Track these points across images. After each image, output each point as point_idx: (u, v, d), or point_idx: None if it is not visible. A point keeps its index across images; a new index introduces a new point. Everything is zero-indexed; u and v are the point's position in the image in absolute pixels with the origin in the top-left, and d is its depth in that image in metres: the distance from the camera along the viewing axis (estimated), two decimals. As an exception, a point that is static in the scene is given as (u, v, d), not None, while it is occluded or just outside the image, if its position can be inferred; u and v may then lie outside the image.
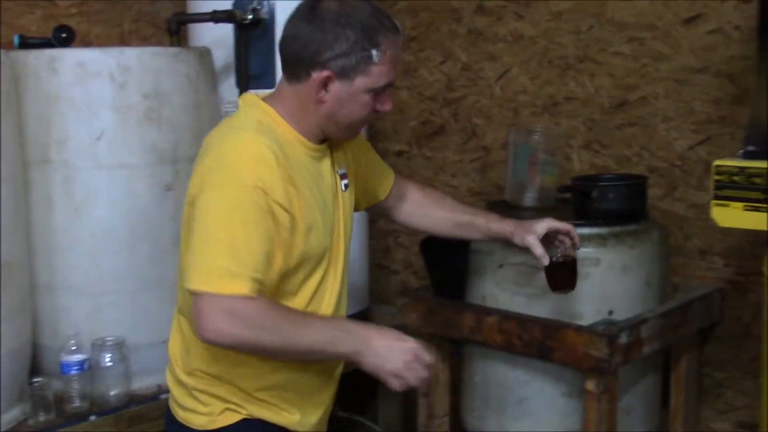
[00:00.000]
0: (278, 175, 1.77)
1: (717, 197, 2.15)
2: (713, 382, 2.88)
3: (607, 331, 2.31)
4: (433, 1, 3.38)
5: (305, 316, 1.84)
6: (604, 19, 2.95)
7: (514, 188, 2.77)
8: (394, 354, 1.82)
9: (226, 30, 2.90)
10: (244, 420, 1.91)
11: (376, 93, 1.86)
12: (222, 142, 1.83)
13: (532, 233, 2.19)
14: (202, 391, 1.92)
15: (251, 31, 2.88)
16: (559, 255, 2.24)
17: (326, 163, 1.96)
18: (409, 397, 3.34)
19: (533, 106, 3.17)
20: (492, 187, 3.29)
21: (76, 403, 2.48)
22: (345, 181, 2.03)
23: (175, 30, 2.86)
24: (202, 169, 1.81)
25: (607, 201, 2.52)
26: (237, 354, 1.84)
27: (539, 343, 2.40)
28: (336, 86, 1.83)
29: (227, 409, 1.91)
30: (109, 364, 2.51)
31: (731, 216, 2.15)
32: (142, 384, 2.60)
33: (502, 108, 3.25)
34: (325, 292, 1.95)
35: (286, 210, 1.79)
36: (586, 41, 3.00)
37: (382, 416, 3.37)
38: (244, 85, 2.88)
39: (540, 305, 2.46)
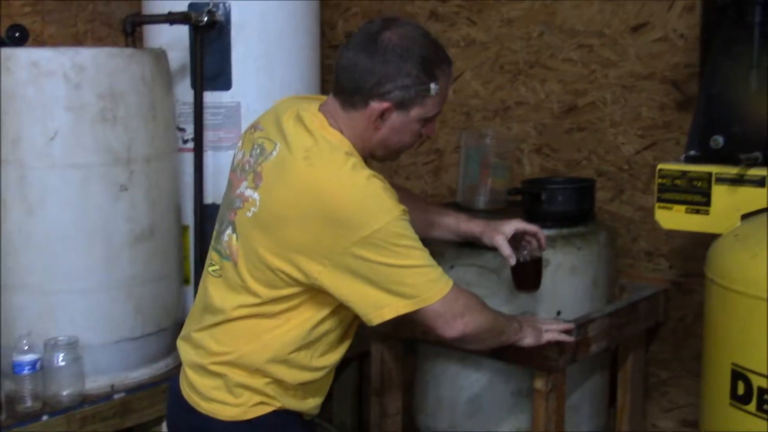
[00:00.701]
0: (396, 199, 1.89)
1: (660, 200, 2.22)
2: (658, 380, 2.96)
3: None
4: (387, 6, 3.42)
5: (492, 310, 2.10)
6: (554, 26, 3.02)
7: (465, 191, 2.81)
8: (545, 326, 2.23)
9: (182, 31, 2.91)
10: (275, 411, 1.99)
11: (426, 120, 1.95)
12: (341, 189, 1.83)
13: (501, 234, 2.28)
14: (238, 384, 1.97)
15: (207, 32, 2.89)
16: (525, 255, 2.31)
17: None
18: (362, 396, 3.38)
19: (485, 111, 3.22)
20: (445, 189, 3.34)
21: (28, 403, 2.47)
22: None
23: (130, 31, 2.86)
24: (342, 219, 1.82)
25: (555, 203, 2.58)
26: (295, 351, 1.96)
27: (489, 342, 2.44)
28: (393, 116, 1.90)
29: (261, 402, 1.98)
30: (62, 363, 2.50)
31: (674, 218, 2.22)
32: (95, 384, 2.60)
33: (455, 112, 3.30)
34: None
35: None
36: (537, 47, 3.07)
37: (337, 416, 3.40)
38: (199, 87, 2.90)
39: (491, 305, 2.50)
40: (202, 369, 2.01)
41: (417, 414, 2.82)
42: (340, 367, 3.32)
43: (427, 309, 1.90)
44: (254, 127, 2.05)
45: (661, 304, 2.84)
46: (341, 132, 1.93)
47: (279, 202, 1.87)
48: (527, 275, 2.35)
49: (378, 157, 2.01)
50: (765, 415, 1.85)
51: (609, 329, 2.55)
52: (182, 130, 2.99)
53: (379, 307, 1.89)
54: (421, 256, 1.88)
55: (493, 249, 2.30)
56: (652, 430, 2.99)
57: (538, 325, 2.23)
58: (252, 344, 1.96)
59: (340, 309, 1.96)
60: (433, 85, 1.88)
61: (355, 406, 3.40)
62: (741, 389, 1.90)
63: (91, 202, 2.57)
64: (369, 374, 2.93)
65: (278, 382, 1.98)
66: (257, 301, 1.94)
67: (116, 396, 2.58)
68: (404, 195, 2.36)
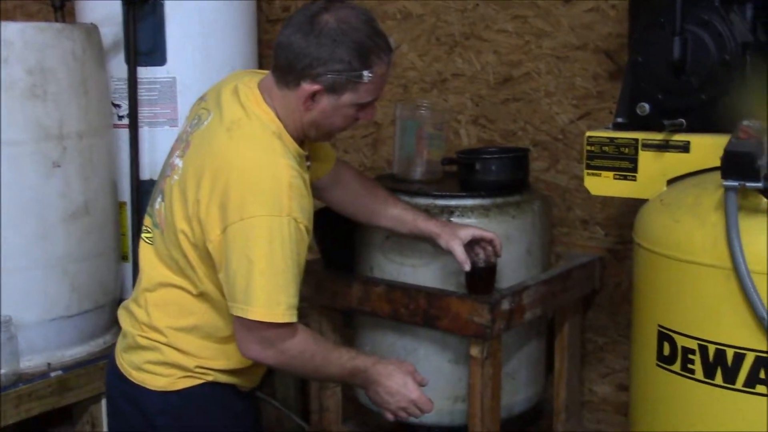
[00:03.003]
0: (306, 199, 1.87)
1: (589, 167, 2.26)
2: (595, 346, 3.01)
3: (489, 298, 2.39)
4: (323, -22, 3.40)
5: (330, 351, 2.00)
6: (489, -3, 3.03)
7: (402, 162, 2.82)
8: (396, 399, 2.04)
9: (115, 6, 2.88)
10: (204, 383, 2.00)
11: (361, 106, 1.94)
12: (251, 168, 1.84)
13: (457, 239, 2.31)
14: (167, 360, 1.99)
15: (140, 8, 2.86)
16: (481, 260, 2.36)
17: (304, 159, 2.02)
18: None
19: (422, 83, 3.23)
20: (383, 162, 3.35)
21: (-37, 383, 2.45)
22: (308, 163, 2.08)
23: (59, 5, 2.82)
24: (236, 197, 1.82)
25: (489, 173, 2.60)
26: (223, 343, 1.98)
27: (424, 311, 2.47)
28: (323, 99, 1.90)
29: (189, 376, 1.99)
30: (-4, 343, 2.48)
31: (603, 185, 2.26)
32: (30, 362, 2.58)
33: (392, 84, 3.30)
34: None
35: (309, 233, 1.90)
36: (472, 19, 3.08)
37: (279, 390, 3.41)
38: (133, 62, 2.87)
39: (426, 275, 2.53)
40: (133, 339, 2.03)
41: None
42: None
43: (243, 319, 1.85)
44: (202, 98, 2.08)
45: (596, 271, 2.89)
46: (275, 110, 1.93)
47: (193, 168, 1.90)
48: (481, 280, 2.42)
49: (311, 137, 2.00)
50: (689, 374, 1.90)
51: (544, 297, 2.58)
52: (117, 106, 2.96)
53: (232, 300, 1.86)
54: (284, 271, 1.83)
55: (448, 252, 2.33)
56: (588, 396, 3.04)
57: (400, 402, 2.05)
58: (181, 321, 1.97)
59: None
60: (365, 73, 1.87)
61: (297, 379, 3.40)
62: (667, 350, 1.95)
63: (23, 180, 2.54)
64: (310, 347, 2.94)
65: (208, 360, 1.99)
66: (176, 271, 1.96)
67: (53, 374, 2.56)
68: (367, 184, 2.40)
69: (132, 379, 2.02)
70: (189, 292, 1.96)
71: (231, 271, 1.83)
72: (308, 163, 2.08)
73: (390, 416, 2.07)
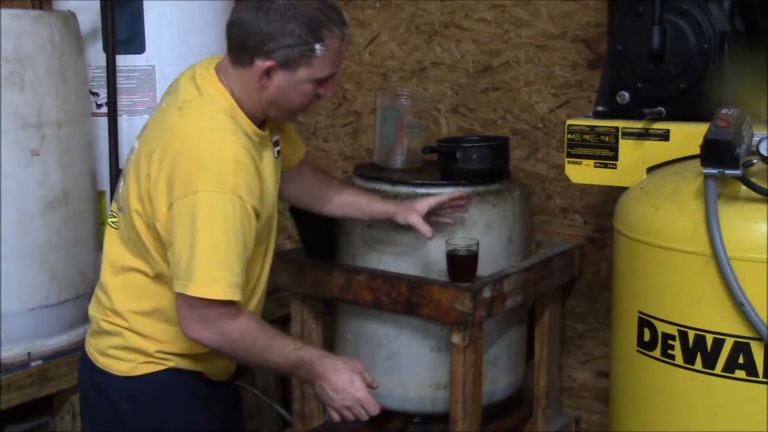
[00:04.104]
0: (253, 178, 1.85)
1: (570, 155, 2.27)
2: (575, 333, 3.04)
3: (471, 286, 2.41)
4: (302, -33, 3.39)
5: (274, 338, 1.93)
6: (468, -14, 3.04)
7: (382, 151, 2.83)
8: (341, 397, 1.96)
9: (92, -6, 2.86)
10: (167, 369, 1.99)
11: (319, 82, 1.91)
12: (199, 143, 1.84)
13: (414, 212, 2.33)
14: (129, 344, 1.98)
15: (118, -5, 2.84)
16: (462, 248, 2.37)
17: (266, 141, 2.01)
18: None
19: (402, 71, 3.23)
20: (363, 150, 3.35)
21: (-59, 374, 2.44)
22: (278, 148, 2.09)
23: (37, -7, 2.79)
24: (168, 172, 1.82)
25: (470, 161, 2.61)
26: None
27: (406, 299, 2.48)
28: (278, 75, 1.88)
29: (150, 361, 1.98)
30: (-26, 332, 2.47)
31: (583, 173, 2.27)
32: (10, 353, 2.56)
33: (372, 73, 3.30)
34: (267, 257, 2.06)
35: (258, 213, 1.87)
36: (451, 7, 3.08)
37: (259, 379, 3.41)
38: (111, 50, 2.85)
39: (407, 263, 2.54)
40: (98, 324, 2.04)
41: (339, 373, 2.84)
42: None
43: (185, 296, 1.83)
44: (171, 84, 2.08)
45: (576, 259, 2.91)
46: (232, 90, 1.93)
47: (146, 147, 1.91)
48: (462, 268, 2.43)
49: (272, 117, 1.99)
50: (669, 360, 1.92)
51: (524, 284, 2.60)
52: (96, 94, 2.93)
53: (176, 276, 1.84)
54: (225, 247, 1.81)
55: (409, 228, 2.35)
56: (568, 382, 3.06)
57: (346, 400, 1.97)
58: (141, 304, 1.97)
59: None
60: (317, 46, 1.86)
61: (279, 368, 3.41)
62: (647, 336, 1.98)
63: (2, 169, 2.51)
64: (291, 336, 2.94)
65: (168, 344, 1.98)
66: (135, 253, 1.95)
67: (33, 364, 2.55)
68: (321, 176, 2.40)
69: (98, 365, 2.02)
70: (146, 274, 1.95)
71: (176, 248, 1.82)
72: (278, 148, 2.08)
73: (335, 415, 1.99)
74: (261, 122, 1.98)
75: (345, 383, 1.96)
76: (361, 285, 2.55)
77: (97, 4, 2.86)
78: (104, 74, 2.87)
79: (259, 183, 1.88)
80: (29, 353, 2.58)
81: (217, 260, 1.81)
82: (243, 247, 1.84)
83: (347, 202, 2.38)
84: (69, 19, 2.71)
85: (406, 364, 2.62)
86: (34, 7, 2.80)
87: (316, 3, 1.87)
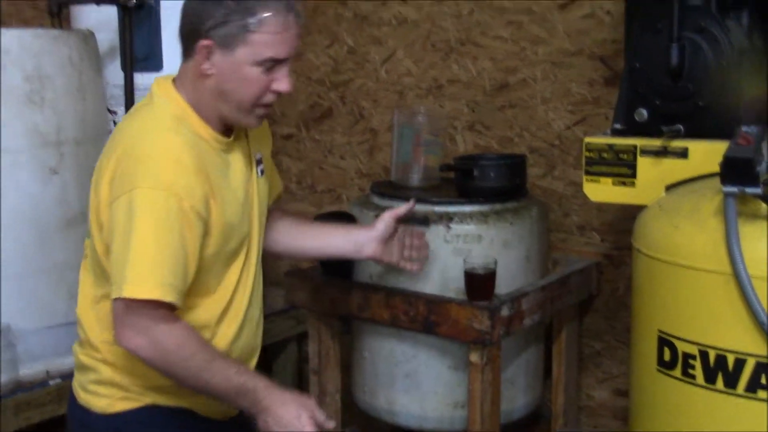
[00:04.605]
0: (196, 179, 1.78)
1: (588, 173, 2.26)
2: (592, 351, 3.02)
3: (489, 304, 2.40)
4: (318, -18, 3.41)
5: (215, 357, 1.82)
6: (484, 4, 3.04)
7: (399, 168, 2.83)
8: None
9: (111, 12, 2.87)
10: (146, 406, 1.90)
11: (266, 69, 1.82)
12: (139, 142, 1.80)
13: (372, 243, 2.21)
14: (105, 378, 1.91)
15: (135, 13, 2.86)
16: (479, 266, 2.38)
17: (237, 152, 1.95)
18: (301, 375, 3.40)
19: (418, 89, 3.24)
20: (379, 168, 3.35)
21: (-40, 392, 2.45)
22: (261, 167, 2.03)
23: (56, 11, 2.82)
24: (112, 171, 1.79)
25: (487, 179, 2.61)
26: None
27: (424, 317, 2.47)
28: (218, 57, 1.80)
29: (127, 397, 1.90)
30: (-9, 350, 2.48)
31: (602, 191, 2.26)
32: (29, 370, 2.57)
33: (388, 91, 3.31)
34: (246, 279, 1.97)
35: (200, 217, 1.79)
36: (467, 25, 3.09)
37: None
38: (129, 68, 2.87)
39: (424, 281, 2.53)
40: (77, 358, 1.98)
41: (356, 391, 2.84)
42: (279, 347, 3.34)
43: (118, 301, 1.74)
44: None
45: (593, 276, 2.90)
46: (188, 95, 1.87)
47: (101, 156, 1.88)
48: (481, 286, 2.42)
49: (229, 118, 1.87)
50: (690, 380, 1.90)
51: (542, 302, 2.59)
52: (113, 112, 2.96)
53: (113, 283, 1.76)
54: (156, 246, 1.73)
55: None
56: (586, 401, 3.05)
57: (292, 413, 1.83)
58: (111, 333, 1.85)
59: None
60: (251, 20, 1.77)
61: (296, 386, 3.40)
62: (667, 355, 1.96)
63: (21, 187, 2.54)
64: (308, 354, 2.94)
65: (143, 377, 1.88)
66: (100, 277, 1.88)
67: (51, 382, 2.55)
68: (290, 217, 2.28)
69: (80, 401, 1.95)
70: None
71: (113, 251, 1.75)
72: (261, 167, 2.02)
73: None
74: (226, 129, 1.91)
75: (292, 417, 1.81)
76: (379, 303, 2.55)
77: (115, 23, 2.89)
78: (122, 92, 2.89)
79: (203, 185, 1.79)
80: (48, 371, 2.58)
81: (147, 259, 1.73)
82: (179, 248, 1.75)
83: (307, 245, 2.27)
84: (88, 37, 2.74)
85: (425, 383, 2.62)
86: (53, 26, 2.83)
87: None
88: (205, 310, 1.89)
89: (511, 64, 3.03)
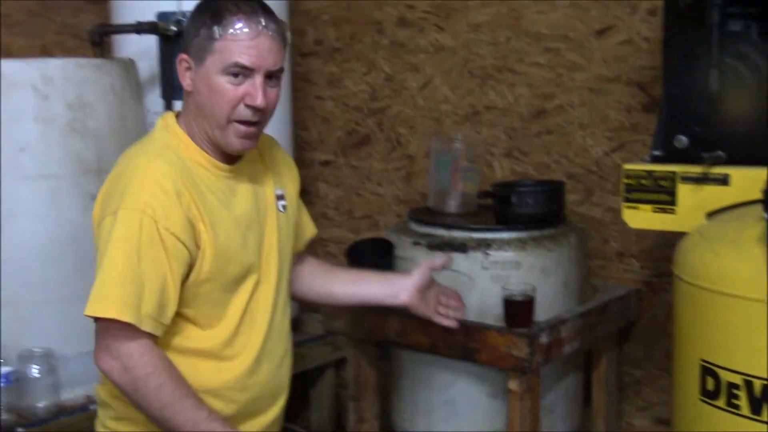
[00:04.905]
0: (175, 202, 1.77)
1: (627, 200, 2.25)
2: (632, 379, 2.99)
3: (528, 331, 2.39)
4: (355, 13, 3.44)
5: (187, 396, 1.79)
6: (521, 31, 3.04)
7: (436, 195, 2.83)
8: None
9: (151, 41, 2.91)
10: None
11: (234, 78, 1.80)
12: (126, 168, 1.84)
13: (409, 288, 2.18)
14: (117, 417, 1.92)
15: (175, 42, 2.89)
16: (517, 293, 2.37)
17: (247, 181, 1.95)
18: (339, 401, 3.39)
19: (455, 116, 3.24)
20: (417, 194, 3.36)
21: (3, 416, 2.46)
22: (282, 203, 2.02)
23: (98, 41, 2.86)
24: (103, 194, 1.84)
25: (525, 206, 2.60)
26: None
27: (463, 344, 2.46)
28: (192, 71, 1.84)
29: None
30: (37, 375, 2.49)
31: (641, 218, 2.25)
32: (71, 395, 2.59)
33: (425, 117, 3.32)
34: (258, 310, 1.95)
35: (178, 239, 1.77)
36: (504, 52, 3.09)
37: (315, 423, 3.40)
38: (169, 96, 2.90)
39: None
40: (97, 393, 1.99)
41: (394, 418, 2.83)
42: (316, 373, 3.35)
43: (98, 322, 1.76)
44: None
45: (633, 303, 2.87)
46: (187, 125, 1.88)
47: None
48: (519, 313, 2.41)
49: (218, 139, 1.86)
50: (734, 410, 1.87)
51: (581, 330, 2.57)
52: (153, 140, 2.98)
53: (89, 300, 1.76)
54: (123, 265, 1.72)
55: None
56: (627, 429, 3.01)
57: None
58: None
59: (180, 338, 1.87)
60: (216, 27, 1.79)
61: (334, 412, 3.40)
62: (710, 385, 1.93)
63: (62, 213, 2.57)
64: (346, 380, 2.94)
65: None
66: None
67: (92, 407, 2.55)
68: (324, 264, 2.29)
69: None
70: None
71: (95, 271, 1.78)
72: (283, 203, 2.01)
73: None
74: (229, 157, 1.91)
75: None
76: (417, 330, 2.54)
77: (156, 52, 2.92)
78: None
79: (188, 209, 1.78)
80: (88, 396, 2.60)
81: (111, 277, 1.73)
82: (151, 269, 1.73)
83: (349, 293, 2.25)
84: (129, 66, 2.78)
85: (463, 410, 2.60)
86: (95, 55, 2.87)
87: None
88: (206, 341, 1.88)
89: (548, 90, 3.03)
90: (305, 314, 3.30)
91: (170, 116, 1.94)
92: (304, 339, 3.19)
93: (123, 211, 1.75)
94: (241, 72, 1.81)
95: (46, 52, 3.29)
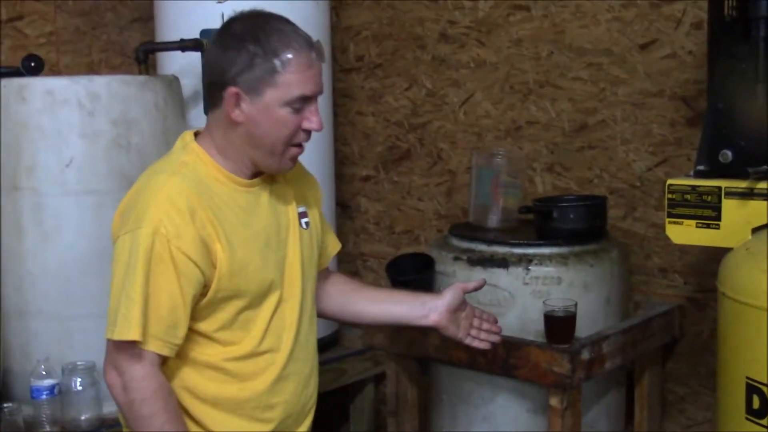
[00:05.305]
0: (188, 221, 1.76)
1: (671, 215, 2.23)
2: (676, 397, 2.95)
3: (569, 347, 2.37)
4: (397, 29, 3.45)
5: (176, 430, 1.79)
6: (563, 45, 3.03)
7: (477, 210, 2.83)
8: None
9: (195, 58, 2.94)
10: None
11: (296, 109, 1.81)
12: (142, 185, 1.85)
13: (439, 309, 2.12)
14: None
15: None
16: (559, 309, 2.36)
17: (269, 197, 1.92)
18: (378, 416, 3.39)
19: (496, 131, 3.24)
20: (458, 210, 3.35)
21: (47, 428, 2.50)
22: (305, 219, 2.00)
23: (143, 58, 2.90)
24: (120, 211, 1.84)
25: (567, 221, 2.59)
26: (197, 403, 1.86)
27: (503, 360, 2.44)
28: (246, 104, 1.80)
29: None
30: (80, 388, 2.52)
31: (685, 233, 2.22)
32: (113, 408, 2.53)
33: (467, 132, 3.32)
34: (282, 328, 1.92)
35: (189, 258, 1.76)
36: (546, 67, 3.08)
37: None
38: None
39: (504, 323, 2.50)
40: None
41: (433, 434, 2.82)
42: (356, 388, 3.35)
43: (109, 342, 1.79)
44: None
45: (676, 320, 2.84)
46: (212, 142, 1.87)
47: None
48: (560, 329, 2.39)
49: (261, 163, 1.87)
50: (780, 429, 1.84)
51: (623, 346, 2.55)
52: (196, 155, 3.01)
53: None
54: (125, 285, 1.75)
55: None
56: (670, 448, 2.98)
57: None
58: None
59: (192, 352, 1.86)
60: (276, 61, 1.76)
61: (373, 428, 3.40)
62: (756, 403, 1.90)
63: (106, 228, 2.53)
64: (385, 395, 2.93)
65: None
66: None
67: (133, 420, 2.58)
68: (354, 282, 2.24)
69: None
70: None
71: (110, 289, 1.80)
72: (305, 219, 1.99)
73: None
74: (253, 173, 1.90)
75: None
76: (457, 345, 2.52)
77: (199, 68, 2.95)
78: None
79: (202, 227, 1.77)
80: (130, 409, 2.62)
81: (118, 298, 1.76)
82: (162, 289, 1.74)
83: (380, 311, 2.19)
84: (173, 83, 2.81)
85: (503, 426, 2.59)
86: (140, 72, 2.91)
87: (277, 25, 1.81)
88: (227, 358, 1.87)
89: (591, 105, 3.01)
90: (345, 329, 3.31)
91: (189, 135, 1.93)
92: (344, 354, 3.19)
93: (138, 230, 1.75)
94: (303, 103, 1.82)
95: (92, 69, 3.35)
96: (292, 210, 1.98)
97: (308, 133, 1.87)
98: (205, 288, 1.81)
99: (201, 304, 1.82)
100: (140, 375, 1.76)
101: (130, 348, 1.76)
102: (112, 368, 1.80)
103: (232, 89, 1.79)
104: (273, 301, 1.91)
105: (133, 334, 1.74)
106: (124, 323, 1.75)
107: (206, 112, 2.88)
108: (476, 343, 2.18)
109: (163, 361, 1.80)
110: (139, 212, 1.77)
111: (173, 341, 1.78)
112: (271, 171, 1.91)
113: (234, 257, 1.82)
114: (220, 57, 1.81)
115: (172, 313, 1.76)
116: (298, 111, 1.82)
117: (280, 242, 1.93)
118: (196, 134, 1.93)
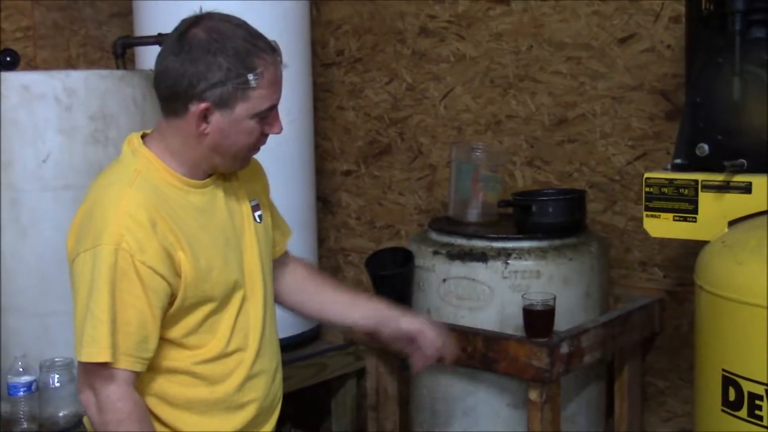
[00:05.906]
0: (150, 234, 1.72)
1: (648, 209, 2.23)
2: (656, 390, 2.96)
3: (548, 341, 2.37)
4: (377, 23, 3.44)
5: None
6: (542, 39, 3.03)
7: (457, 204, 2.83)
8: None
9: (173, 53, 2.93)
10: None
11: (261, 117, 1.78)
12: (96, 198, 1.79)
13: (396, 326, 2.05)
14: None
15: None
16: (537, 303, 2.36)
17: (221, 196, 1.89)
18: (360, 411, 3.39)
19: (476, 125, 3.24)
20: (438, 204, 3.35)
21: (24, 425, 2.48)
22: (258, 212, 1.97)
23: (120, 53, 2.88)
24: (76, 226, 1.78)
25: (546, 215, 2.60)
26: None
27: (482, 354, 2.45)
28: (216, 117, 1.75)
29: None
30: (58, 385, 2.50)
31: (662, 226, 2.23)
32: (91, 404, 2.59)
33: (447, 127, 3.31)
34: (248, 325, 1.90)
35: (155, 272, 1.73)
36: (526, 61, 3.08)
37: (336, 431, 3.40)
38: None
39: (483, 317, 2.52)
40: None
41: (414, 428, 2.82)
42: (338, 383, 3.35)
43: (80, 363, 1.75)
44: None
45: (656, 313, 2.85)
46: (166, 147, 1.81)
47: None
48: (539, 323, 2.39)
49: (220, 167, 1.85)
50: (757, 421, 1.85)
51: (603, 340, 2.55)
52: (175, 150, 3.00)
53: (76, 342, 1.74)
54: (106, 306, 1.69)
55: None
56: (650, 440, 2.99)
57: None
58: None
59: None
60: (251, 76, 1.72)
61: (354, 422, 3.40)
62: (732, 395, 1.91)
63: (85, 224, 2.58)
64: (367, 390, 2.93)
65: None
66: None
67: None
68: (315, 274, 2.20)
69: None
70: None
71: (74, 309, 1.74)
72: (259, 212, 1.96)
73: None
74: (207, 174, 1.86)
75: None
76: (437, 340, 2.53)
77: (178, 63, 2.94)
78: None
79: (164, 238, 1.74)
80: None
81: (83, 318, 1.71)
82: (129, 306, 1.71)
83: (337, 310, 2.15)
84: (151, 77, 2.78)
85: (483, 421, 2.59)
86: (117, 67, 2.89)
87: (239, 32, 1.76)
88: (196, 362, 1.85)
89: (570, 99, 3.01)
90: (326, 325, 3.30)
91: (136, 138, 1.87)
92: (325, 348, 3.19)
93: (98, 248, 1.70)
94: (270, 111, 1.80)
95: (70, 64, 3.33)
96: (246, 205, 1.95)
97: (267, 135, 1.84)
98: (172, 297, 1.78)
99: (169, 313, 1.79)
100: (115, 396, 1.73)
101: (101, 369, 1.72)
102: (87, 387, 1.76)
103: (201, 105, 1.74)
104: (237, 301, 1.88)
105: (103, 356, 1.70)
106: (93, 345, 1.70)
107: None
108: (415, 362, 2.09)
109: (137, 375, 1.78)
110: (97, 228, 1.72)
111: (144, 356, 1.76)
112: (227, 171, 1.89)
113: (198, 264, 1.79)
114: (186, 68, 1.73)
115: (141, 328, 1.73)
116: (263, 119, 1.79)
117: (238, 240, 1.91)
118: (143, 136, 1.88)
